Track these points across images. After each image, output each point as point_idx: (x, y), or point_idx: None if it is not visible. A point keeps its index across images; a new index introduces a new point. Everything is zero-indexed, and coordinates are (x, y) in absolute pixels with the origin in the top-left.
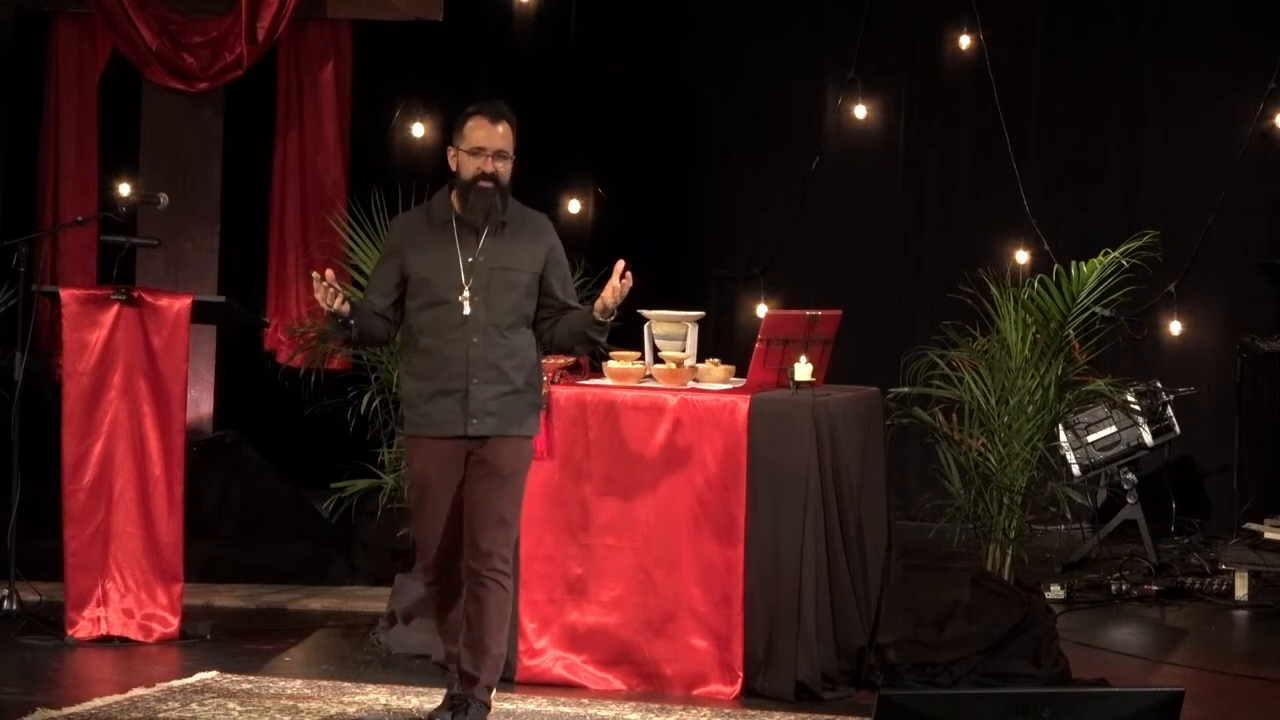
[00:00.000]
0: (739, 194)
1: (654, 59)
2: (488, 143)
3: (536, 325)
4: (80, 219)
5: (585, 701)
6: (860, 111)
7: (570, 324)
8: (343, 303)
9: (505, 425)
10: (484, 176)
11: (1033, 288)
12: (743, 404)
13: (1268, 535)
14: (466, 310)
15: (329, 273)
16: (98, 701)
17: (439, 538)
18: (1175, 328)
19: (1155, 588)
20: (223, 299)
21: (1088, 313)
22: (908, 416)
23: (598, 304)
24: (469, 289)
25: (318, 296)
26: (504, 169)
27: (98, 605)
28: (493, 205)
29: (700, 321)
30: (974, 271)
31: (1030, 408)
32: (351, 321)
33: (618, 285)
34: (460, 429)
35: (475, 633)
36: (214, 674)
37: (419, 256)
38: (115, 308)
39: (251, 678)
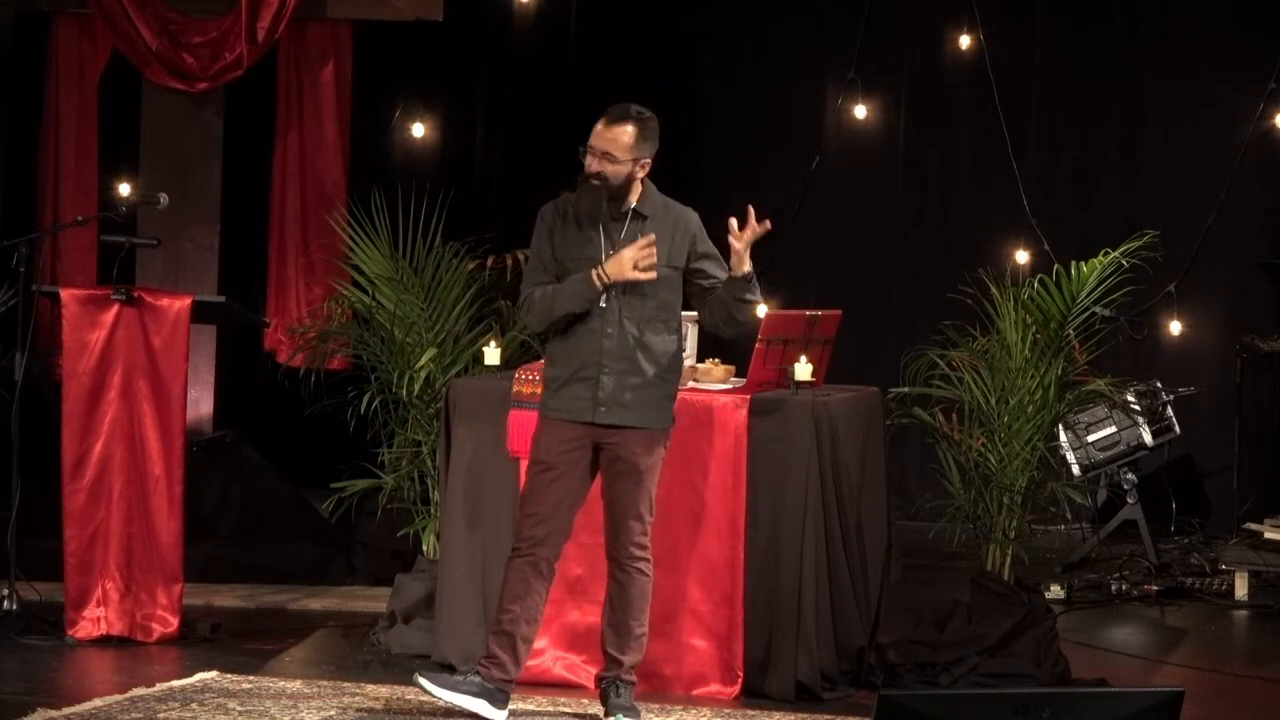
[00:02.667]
0: (739, 194)
1: (654, 59)
2: (595, 141)
3: (699, 313)
4: (80, 219)
5: (585, 701)
6: (860, 111)
7: (719, 298)
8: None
9: (637, 417)
10: (591, 175)
11: (1033, 288)
12: (743, 404)
13: (1268, 535)
14: (603, 302)
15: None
16: (98, 701)
17: (546, 518)
18: (1175, 328)
19: (1155, 588)
20: (223, 299)
21: (1088, 313)
22: (908, 416)
23: (732, 261)
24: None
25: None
26: (610, 169)
27: (98, 605)
28: (596, 204)
29: (700, 321)
30: (974, 271)
31: (1030, 408)
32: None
33: (739, 233)
34: (589, 416)
35: (619, 615)
36: (214, 674)
37: (571, 243)
38: (115, 308)
39: (251, 678)
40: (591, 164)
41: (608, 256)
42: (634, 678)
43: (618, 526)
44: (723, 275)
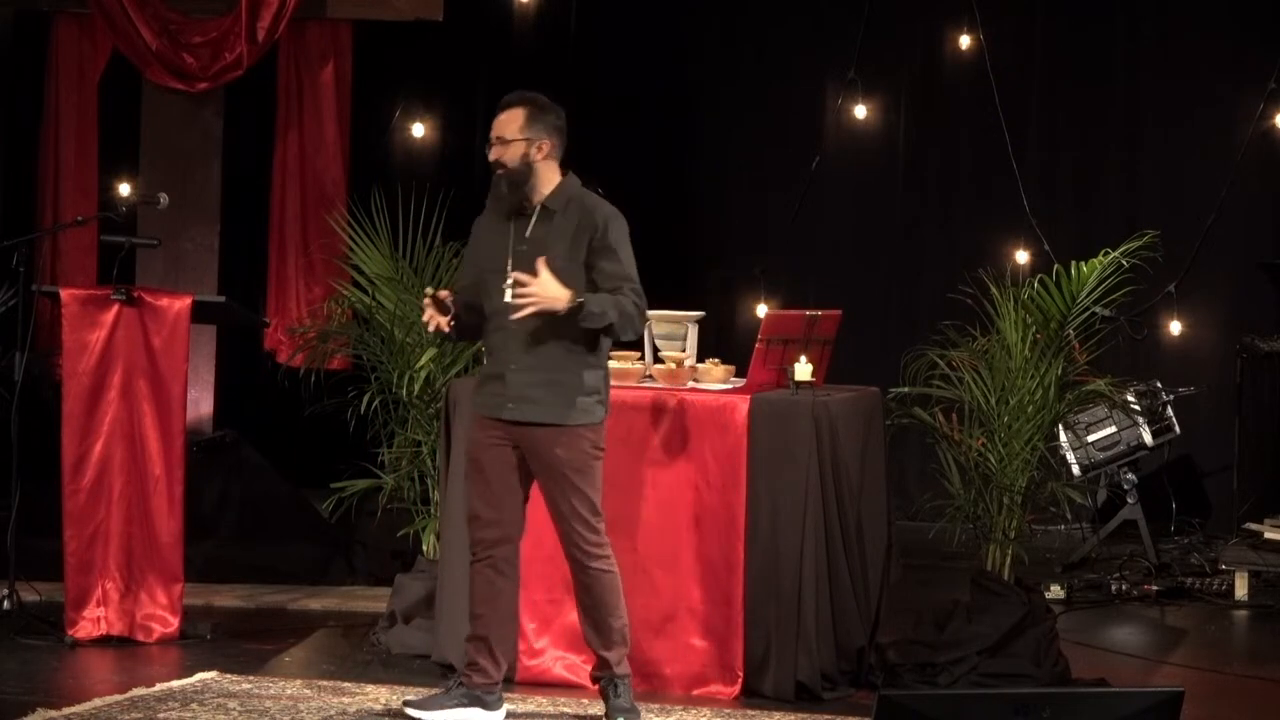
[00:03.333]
0: (739, 194)
1: (654, 59)
2: (491, 132)
3: None
4: (80, 219)
5: (585, 701)
6: (860, 111)
7: None
8: (449, 323)
9: (544, 412)
10: (493, 165)
11: (1033, 288)
12: (743, 404)
13: (1268, 535)
14: (507, 297)
15: (445, 293)
16: (98, 701)
17: (491, 520)
18: (1175, 328)
19: (1155, 588)
20: (223, 299)
21: (1088, 313)
22: (908, 416)
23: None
24: (510, 277)
25: (432, 322)
26: (506, 153)
27: (98, 605)
28: (499, 192)
29: (700, 321)
30: (974, 271)
31: (1030, 408)
32: (452, 336)
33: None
34: (501, 412)
35: (594, 615)
36: (214, 674)
37: (482, 244)
38: (115, 308)
39: (251, 678)
40: (490, 153)
41: (514, 251)
42: (627, 670)
43: (561, 531)
44: (610, 274)
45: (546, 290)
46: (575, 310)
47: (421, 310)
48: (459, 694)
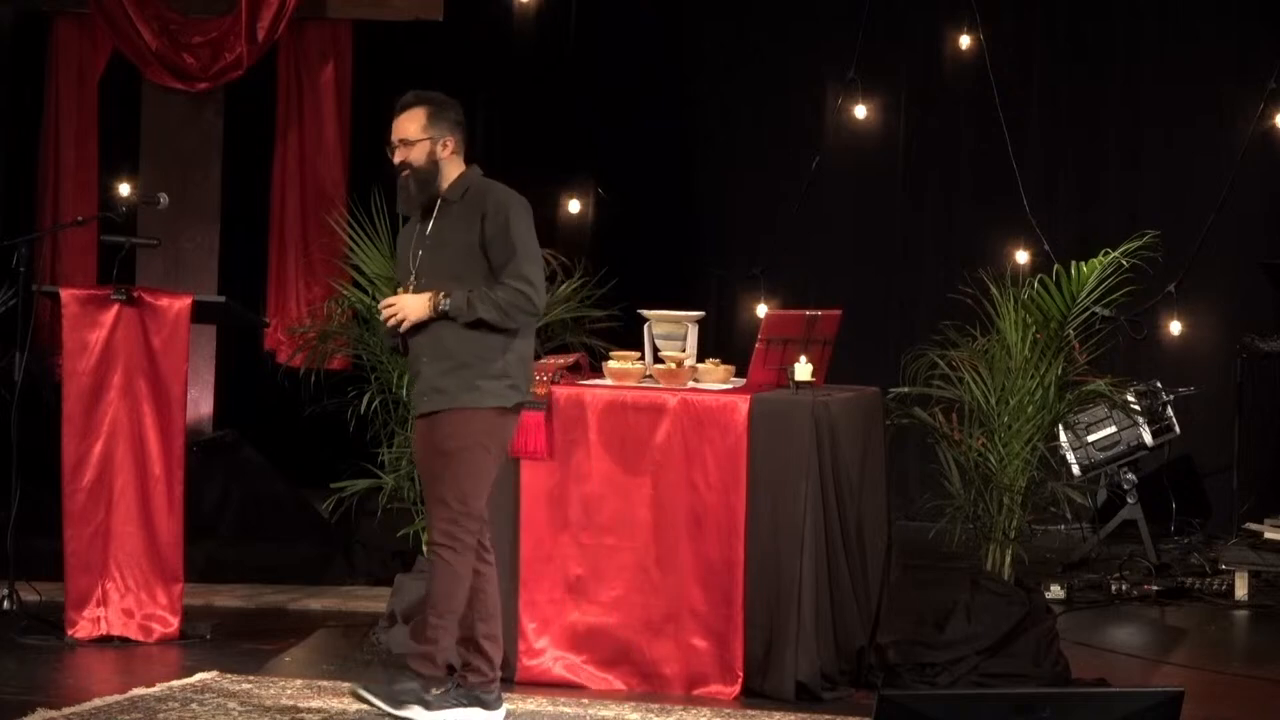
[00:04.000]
0: (739, 194)
1: (654, 59)
2: (392, 135)
3: None
4: (80, 219)
5: (585, 701)
6: (860, 111)
7: None
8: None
9: (445, 400)
10: (399, 167)
11: (1033, 288)
12: (743, 404)
13: (1268, 535)
14: (411, 293)
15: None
16: (98, 701)
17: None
18: (1175, 328)
19: (1155, 588)
20: (223, 299)
21: (1088, 313)
22: (908, 416)
23: None
24: (415, 274)
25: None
26: (410, 154)
27: (98, 605)
28: (407, 194)
29: (700, 321)
30: (974, 271)
31: (1030, 408)
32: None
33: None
34: (420, 407)
35: (425, 602)
36: (214, 674)
37: (400, 246)
38: (115, 308)
39: (251, 678)
40: (394, 156)
41: (419, 249)
42: (419, 668)
43: (426, 510)
44: (498, 262)
45: (404, 306)
46: (444, 314)
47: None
48: (460, 694)
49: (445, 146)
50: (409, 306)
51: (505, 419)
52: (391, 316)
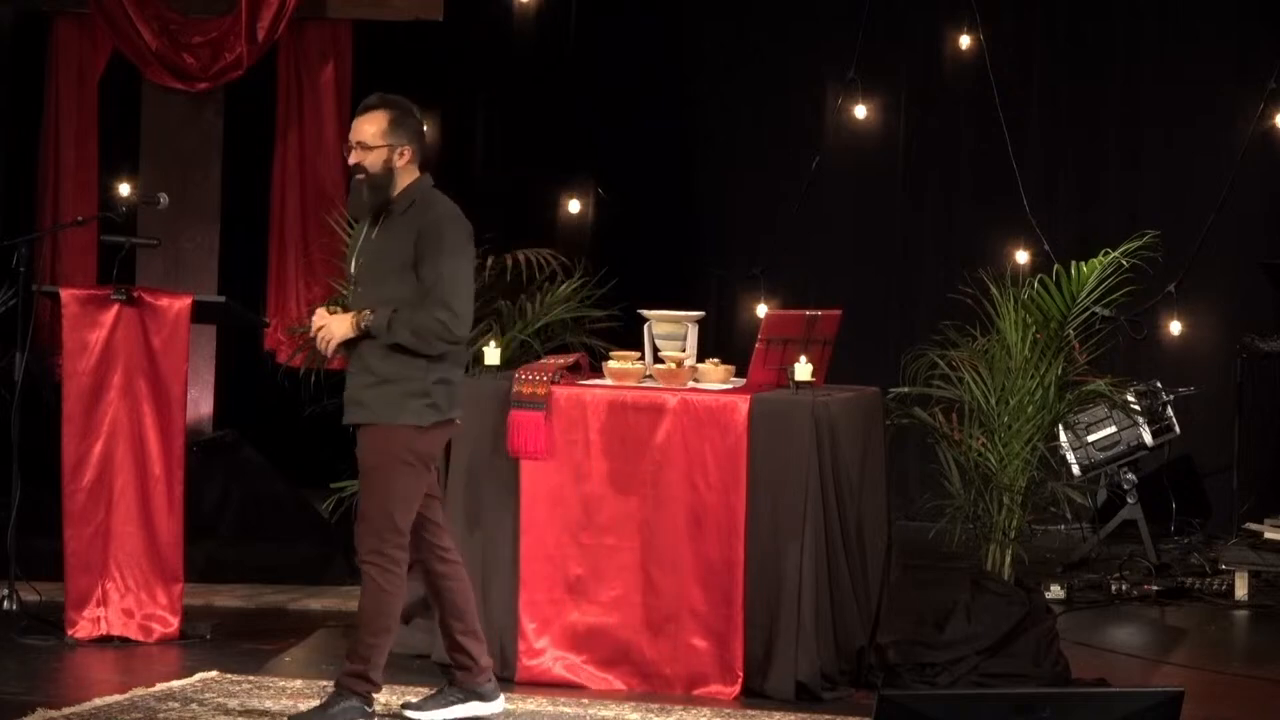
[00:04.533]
0: (739, 194)
1: (654, 59)
2: (350, 135)
3: None
4: (80, 219)
5: (585, 701)
6: (860, 111)
7: None
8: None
9: (365, 414)
10: (353, 169)
11: (1033, 288)
12: (743, 404)
13: (1268, 535)
14: (348, 302)
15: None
16: (98, 701)
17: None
18: (1175, 328)
19: (1155, 588)
20: (223, 299)
21: (1088, 313)
22: (908, 416)
23: None
24: (355, 280)
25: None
26: (367, 158)
27: (98, 605)
28: (359, 198)
29: (700, 321)
30: (974, 271)
31: (1030, 408)
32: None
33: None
34: (345, 418)
35: (357, 620)
36: (214, 674)
37: (349, 250)
38: (115, 308)
39: (251, 678)
40: (349, 157)
41: (360, 257)
42: (352, 686)
43: (355, 525)
44: (425, 285)
45: (330, 327)
46: (365, 334)
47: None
48: (456, 692)
49: (402, 155)
50: (334, 328)
51: (426, 435)
52: (320, 338)
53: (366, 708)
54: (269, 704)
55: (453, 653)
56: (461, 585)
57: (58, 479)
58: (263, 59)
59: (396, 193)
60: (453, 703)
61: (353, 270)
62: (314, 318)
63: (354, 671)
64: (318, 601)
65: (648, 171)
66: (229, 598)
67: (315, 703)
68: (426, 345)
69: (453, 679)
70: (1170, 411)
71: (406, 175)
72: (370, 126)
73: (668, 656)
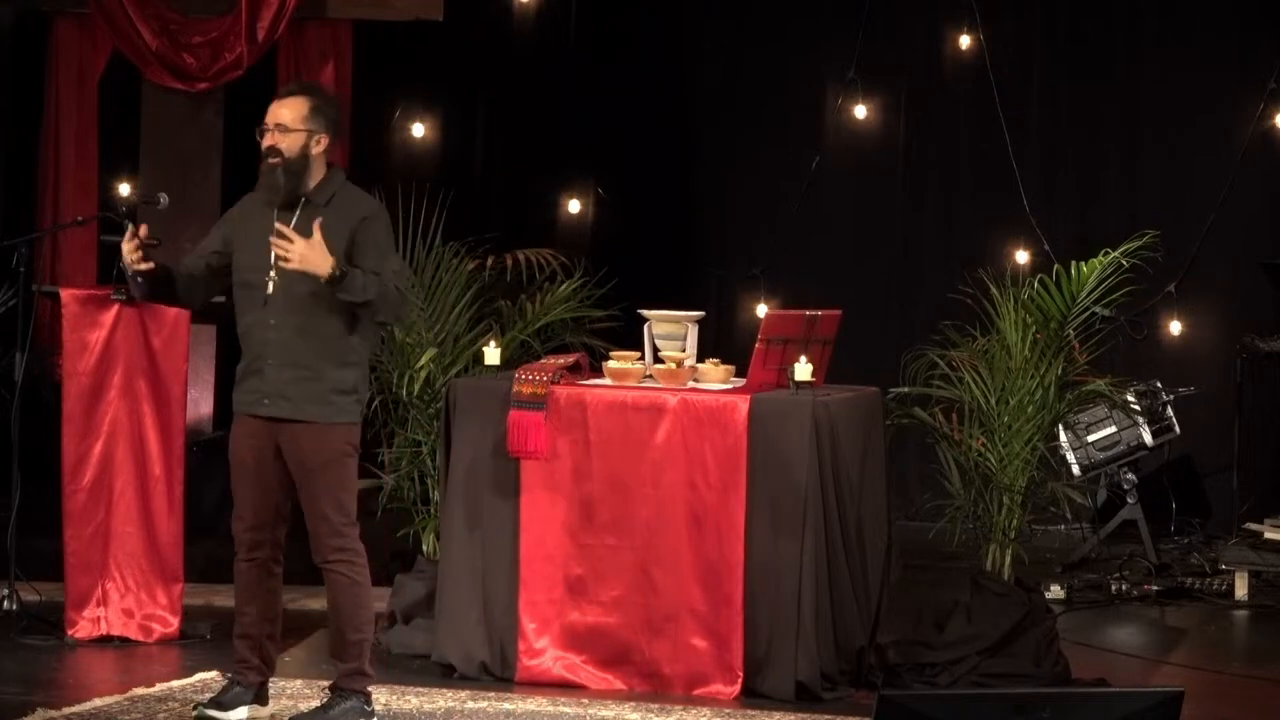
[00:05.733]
0: (739, 194)
1: (654, 59)
2: (268, 118)
3: None
4: (80, 219)
5: (585, 701)
6: (860, 111)
7: None
8: (149, 265)
9: (296, 410)
10: (268, 152)
11: (1033, 288)
12: (743, 404)
13: (1268, 535)
14: (269, 290)
15: (144, 229)
16: (98, 701)
17: (254, 522)
18: (1175, 328)
19: (1155, 588)
20: (223, 299)
21: (1088, 313)
22: (908, 416)
23: None
24: (274, 269)
25: (125, 248)
26: (284, 141)
27: (98, 605)
28: (274, 182)
29: (700, 321)
30: (974, 271)
31: (1030, 408)
32: (139, 280)
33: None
34: (257, 408)
35: (332, 622)
36: (214, 674)
37: (242, 232)
38: (115, 308)
39: None
40: (266, 139)
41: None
42: (359, 687)
43: (310, 529)
44: (368, 268)
45: (313, 252)
46: (338, 279)
47: (420, 310)
48: (241, 692)
49: (319, 143)
50: (317, 255)
51: (355, 428)
52: (282, 254)
53: (366, 706)
54: (269, 703)
55: (250, 652)
56: (280, 587)
57: (58, 479)
58: (263, 59)
59: (310, 183)
60: (249, 702)
61: (272, 262)
62: (284, 230)
63: (350, 671)
64: (317, 601)
65: (648, 171)
66: (229, 598)
67: (315, 703)
68: (387, 311)
69: (242, 678)
70: (1170, 411)
71: (319, 165)
72: (290, 110)
73: (668, 656)
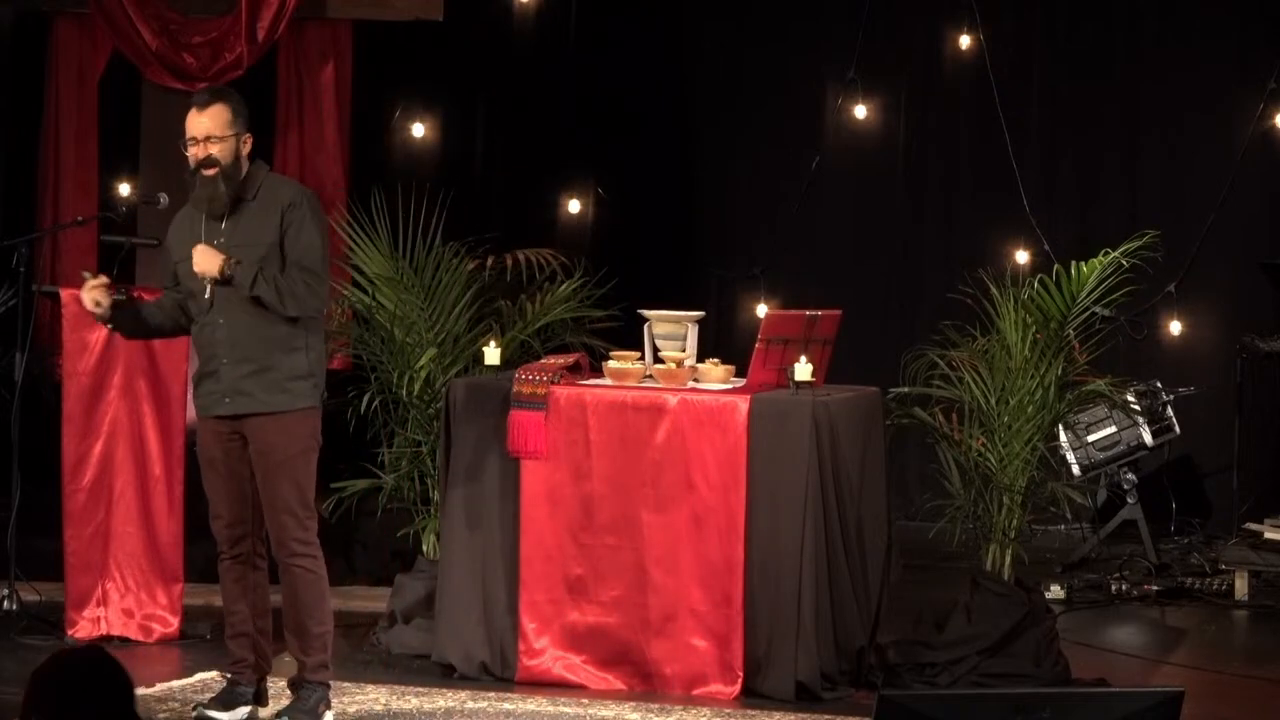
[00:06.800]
0: (739, 194)
1: (654, 59)
2: (194, 131)
3: None
4: (80, 219)
5: (585, 701)
6: (860, 111)
7: None
8: (106, 310)
9: (258, 403)
10: (202, 164)
11: (1033, 288)
12: (743, 404)
13: (1268, 535)
14: (208, 294)
15: (101, 277)
16: None
17: (231, 520)
18: (1175, 328)
19: (1155, 588)
20: None
21: (1088, 313)
22: (908, 416)
23: None
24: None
25: (83, 297)
26: (218, 149)
27: (98, 605)
28: (215, 192)
29: (700, 321)
30: (974, 271)
31: (1030, 408)
32: (111, 327)
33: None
34: (219, 409)
35: (292, 616)
36: (214, 674)
37: (179, 247)
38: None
39: None
40: (198, 153)
41: (217, 247)
42: (324, 679)
43: (270, 523)
44: (291, 257)
45: (202, 256)
46: (229, 279)
47: (420, 310)
48: (241, 691)
49: (246, 143)
50: (200, 259)
51: (317, 413)
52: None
53: (328, 693)
54: (269, 704)
55: (245, 651)
56: (267, 582)
57: (58, 479)
58: (263, 59)
59: (243, 181)
60: (248, 703)
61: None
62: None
63: (320, 662)
64: None
65: (648, 171)
66: None
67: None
68: (284, 305)
69: (240, 677)
70: (1170, 411)
71: (245, 163)
72: (214, 119)
73: (668, 656)
